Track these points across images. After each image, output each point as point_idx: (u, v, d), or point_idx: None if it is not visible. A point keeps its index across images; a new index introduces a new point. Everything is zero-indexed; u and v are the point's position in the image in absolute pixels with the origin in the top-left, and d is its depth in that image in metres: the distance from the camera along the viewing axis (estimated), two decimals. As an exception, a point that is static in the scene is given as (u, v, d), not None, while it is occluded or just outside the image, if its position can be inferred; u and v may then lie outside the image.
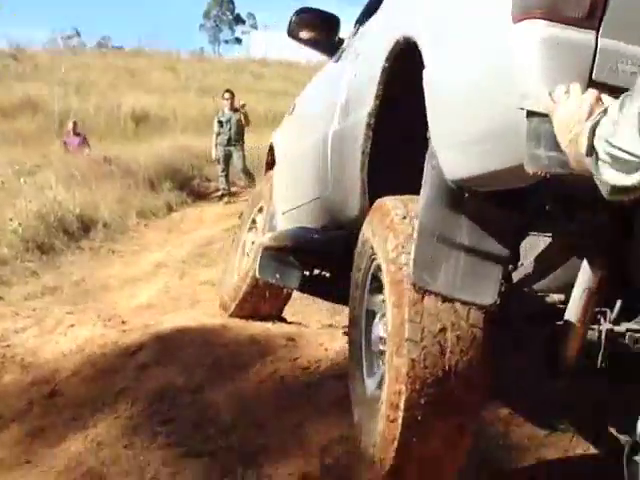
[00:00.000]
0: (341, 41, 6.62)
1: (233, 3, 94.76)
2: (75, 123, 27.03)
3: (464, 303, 3.67)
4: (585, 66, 2.83)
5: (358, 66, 5.28)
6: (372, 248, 4.26)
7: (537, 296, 4.07)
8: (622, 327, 3.91)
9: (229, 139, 22.15)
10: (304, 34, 6.76)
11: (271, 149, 8.60)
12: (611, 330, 3.89)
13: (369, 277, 4.43)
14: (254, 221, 8.68)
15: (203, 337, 7.05)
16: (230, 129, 22.12)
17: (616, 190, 2.35)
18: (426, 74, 3.76)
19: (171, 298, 13.26)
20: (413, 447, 3.84)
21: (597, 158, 2.36)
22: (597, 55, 2.83)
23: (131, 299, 13.89)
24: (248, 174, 22.28)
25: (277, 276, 6.80)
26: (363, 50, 5.27)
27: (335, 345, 6.35)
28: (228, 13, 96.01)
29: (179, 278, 14.63)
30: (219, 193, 22.65)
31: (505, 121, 3.09)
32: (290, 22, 6.75)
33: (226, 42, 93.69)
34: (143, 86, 38.63)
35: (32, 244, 17.29)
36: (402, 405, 3.73)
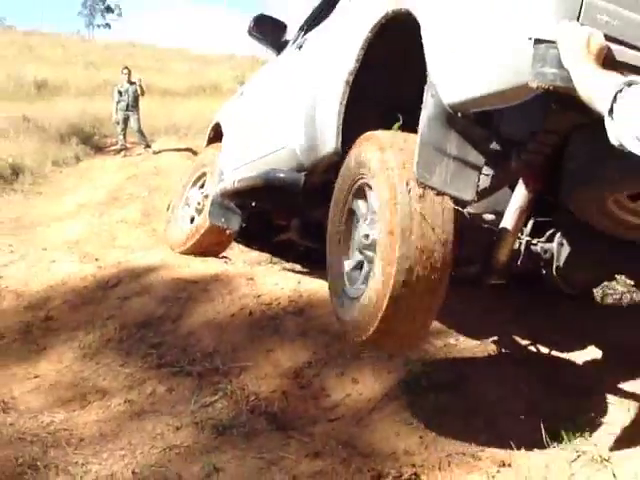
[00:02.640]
0: (286, 42, 6.88)
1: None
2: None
3: (451, 197, 3.81)
4: (575, 12, 2.96)
5: (334, 43, 5.21)
6: (361, 168, 4.28)
7: (478, 215, 4.25)
8: (535, 240, 4.34)
9: (127, 105, 21.66)
10: (259, 34, 7.03)
11: (215, 127, 8.45)
12: (529, 242, 4.33)
13: (352, 191, 4.43)
14: (197, 180, 8.54)
15: (173, 274, 6.66)
16: (128, 97, 21.65)
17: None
18: (424, 32, 3.83)
19: (94, 234, 13.13)
20: (397, 311, 3.90)
21: (612, 117, 2.49)
22: (582, 7, 2.97)
23: (60, 234, 13.52)
24: (141, 133, 21.71)
25: (222, 220, 7.35)
26: (339, 33, 5.18)
27: (288, 284, 6.09)
28: (100, 3, 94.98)
29: (98, 217, 14.18)
30: (117, 147, 22.07)
31: (501, 56, 3.28)
32: (250, 24, 6.97)
33: (99, 26, 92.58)
34: (40, 59, 37.62)
35: (-28, 187, 16.74)
36: (391, 281, 3.82)
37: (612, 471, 3.52)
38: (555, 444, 3.97)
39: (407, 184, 3.85)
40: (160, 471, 4.01)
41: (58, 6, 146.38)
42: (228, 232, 7.55)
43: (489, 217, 4.28)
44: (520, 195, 4.03)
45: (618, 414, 4.20)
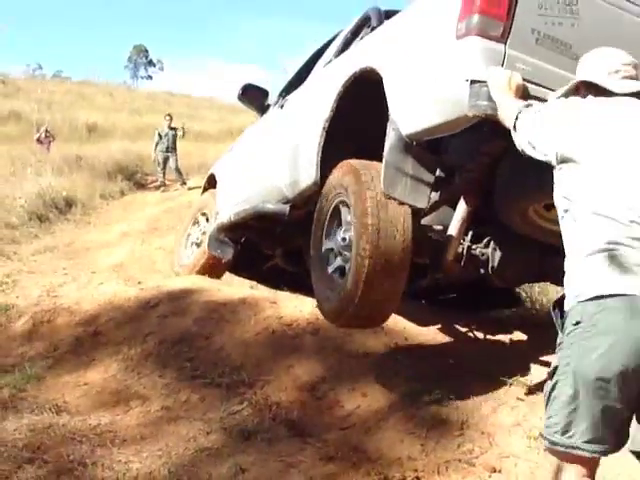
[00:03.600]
0: (268, 106, 7.50)
1: (147, 51, 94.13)
2: (47, 129, 26.26)
3: (409, 205, 4.40)
4: (499, 62, 3.68)
5: (312, 99, 5.82)
6: (338, 188, 4.87)
7: (429, 226, 4.95)
8: (474, 245, 5.05)
9: (167, 147, 21.69)
10: (246, 99, 7.60)
11: (210, 178, 8.91)
12: (469, 246, 5.04)
13: (332, 206, 4.99)
14: (196, 221, 8.94)
15: (205, 297, 6.66)
16: (168, 140, 21.65)
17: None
18: (386, 83, 4.48)
19: (136, 259, 13.04)
20: (370, 294, 4.48)
21: (516, 131, 3.17)
22: (506, 57, 3.71)
23: (107, 258, 13.54)
24: (179, 172, 21.75)
25: (219, 251, 7.76)
26: (316, 92, 5.79)
27: (306, 308, 6.07)
28: (144, 58, 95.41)
29: (140, 244, 14.22)
30: (157, 184, 22.05)
31: (446, 95, 3.91)
32: (239, 91, 7.54)
33: (142, 78, 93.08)
34: (91, 106, 37.83)
35: (34, 215, 16.87)
36: (364, 269, 4.41)
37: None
38: (540, 452, 4.00)
39: (375, 197, 4.46)
40: (192, 470, 4.03)
41: (107, 60, 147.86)
42: (223, 261, 7.92)
43: (438, 228, 4.95)
44: (461, 209, 4.70)
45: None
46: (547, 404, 2.80)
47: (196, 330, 6.07)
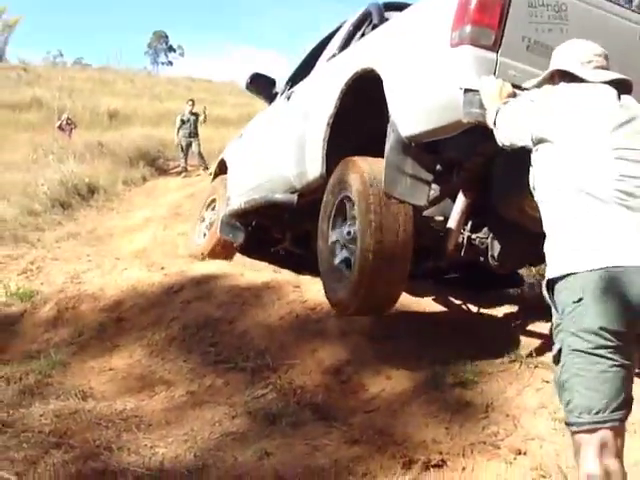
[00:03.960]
0: (275, 94, 7.85)
1: (167, 37, 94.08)
2: (68, 117, 26.26)
3: (409, 203, 4.72)
4: (492, 69, 3.97)
5: (317, 95, 6.07)
6: (343, 184, 5.22)
7: (431, 217, 5.23)
8: (474, 235, 5.36)
9: (189, 132, 21.85)
10: (255, 88, 8.05)
11: (221, 163, 9.27)
12: (469, 236, 5.34)
13: (337, 201, 5.35)
14: (208, 205, 9.32)
15: (229, 282, 6.69)
16: (190, 125, 21.84)
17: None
18: (386, 85, 4.77)
19: (159, 244, 13.16)
20: (375, 283, 4.88)
21: (496, 127, 3.39)
22: (497, 64, 3.99)
23: (130, 244, 13.67)
24: (201, 157, 21.86)
25: (230, 235, 8.18)
26: (321, 87, 6.07)
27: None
28: (164, 44, 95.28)
29: (163, 229, 14.29)
30: (179, 169, 22.18)
31: (442, 101, 4.22)
32: (247, 80, 8.03)
33: (162, 64, 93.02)
34: (112, 92, 37.79)
35: (57, 202, 17.08)
36: (369, 262, 4.82)
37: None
38: (565, 434, 3.98)
39: (378, 195, 4.79)
40: (218, 454, 4.04)
41: (127, 47, 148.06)
42: (235, 245, 8.36)
43: (439, 218, 5.21)
44: (460, 203, 5.01)
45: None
46: (560, 390, 2.83)
47: (220, 315, 6.09)
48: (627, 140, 2.92)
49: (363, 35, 6.10)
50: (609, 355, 2.69)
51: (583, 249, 2.78)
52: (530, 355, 4.97)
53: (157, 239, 13.63)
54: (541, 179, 3.05)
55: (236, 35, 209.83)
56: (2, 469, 3.79)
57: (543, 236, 3.00)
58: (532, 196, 3.17)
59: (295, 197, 6.37)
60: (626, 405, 2.74)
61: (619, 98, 3.08)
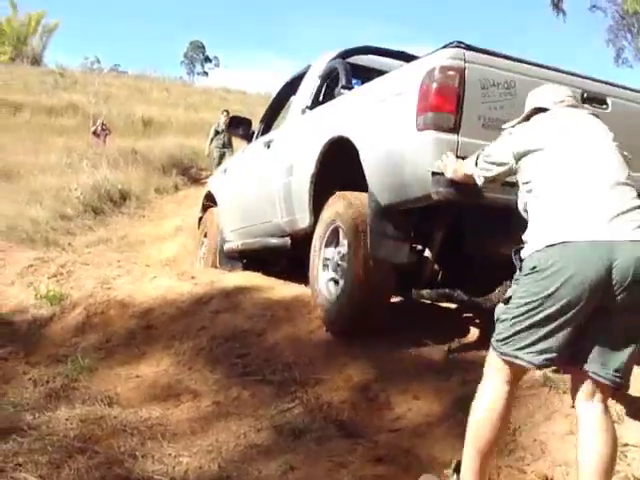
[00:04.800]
0: (253, 132, 8.67)
1: (204, 47, 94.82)
2: (103, 122, 26.59)
3: (391, 262, 5.32)
4: (454, 149, 4.55)
5: (298, 152, 6.69)
6: (335, 216, 5.79)
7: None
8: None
9: (223, 143, 21.75)
10: (234, 130, 9.03)
11: (208, 195, 9.95)
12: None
13: (329, 229, 5.90)
14: (204, 233, 9.98)
15: (259, 294, 6.72)
16: (224, 136, 21.62)
17: (486, 180, 3.87)
18: (362, 154, 5.42)
19: (188, 253, 13.18)
20: (364, 293, 5.44)
21: (477, 166, 3.89)
22: (459, 144, 4.58)
23: (160, 252, 13.74)
24: (235, 167, 21.60)
25: (229, 266, 8.81)
26: (301, 144, 6.71)
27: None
28: (200, 54, 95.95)
29: (192, 239, 14.28)
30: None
31: (413, 179, 4.84)
32: (227, 123, 9.86)
33: (198, 74, 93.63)
34: (147, 100, 38.12)
35: (89, 207, 17.23)
36: (355, 289, 5.44)
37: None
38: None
39: (362, 224, 5.39)
40: (242, 467, 4.04)
41: (163, 55, 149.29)
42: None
43: (418, 247, 5.56)
44: (434, 240, 5.43)
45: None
46: (498, 322, 3.42)
47: (249, 327, 6.12)
48: (606, 137, 3.54)
49: (331, 90, 6.82)
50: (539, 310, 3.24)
51: (546, 230, 3.27)
52: (559, 380, 4.93)
53: (187, 248, 13.65)
54: (526, 184, 3.52)
55: (276, 47, 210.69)
56: (26, 472, 3.83)
57: (511, 262, 3.49)
58: (506, 246, 3.71)
59: (288, 240, 7.00)
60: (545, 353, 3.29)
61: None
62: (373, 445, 4.30)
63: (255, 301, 6.58)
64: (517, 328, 3.30)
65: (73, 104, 32.44)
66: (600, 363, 3.32)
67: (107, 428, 4.53)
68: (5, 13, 54.34)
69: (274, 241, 7.25)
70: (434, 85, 4.65)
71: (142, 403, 5.17)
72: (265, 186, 7.39)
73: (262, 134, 8.37)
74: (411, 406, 4.72)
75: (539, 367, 3.45)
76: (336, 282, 5.76)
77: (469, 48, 4.69)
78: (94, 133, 25.74)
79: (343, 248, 5.64)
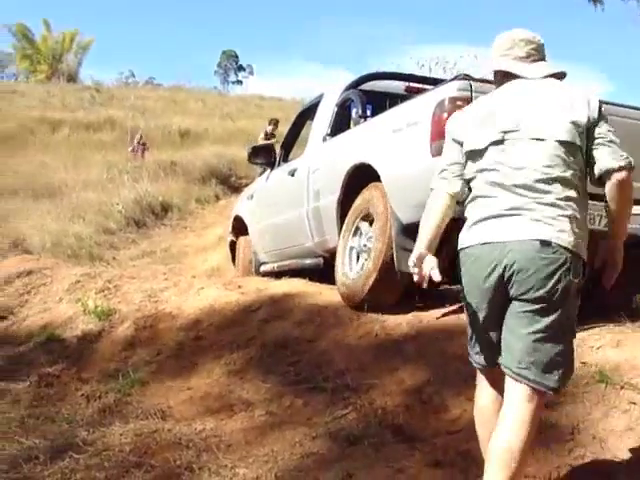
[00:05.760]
0: (275, 159, 9.12)
1: (237, 56, 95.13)
2: (141, 136, 26.89)
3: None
4: None
5: (324, 178, 7.30)
6: (366, 206, 6.36)
7: None
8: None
9: (270, 152, 21.42)
10: (255, 160, 9.44)
11: (237, 219, 10.43)
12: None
13: (360, 217, 6.46)
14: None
15: (307, 301, 6.72)
16: (271, 145, 21.43)
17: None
18: (385, 182, 6.04)
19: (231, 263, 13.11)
20: (381, 282, 5.98)
21: None
22: None
23: (204, 263, 13.78)
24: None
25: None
26: (326, 171, 7.29)
27: (406, 315, 6.03)
28: (234, 63, 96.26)
29: (235, 247, 14.37)
30: (253, 187, 22.10)
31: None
32: (249, 153, 9.40)
33: (232, 83, 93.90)
34: (183, 111, 38.27)
35: (131, 221, 17.40)
36: (378, 267, 5.99)
37: None
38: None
39: (392, 216, 5.88)
40: (299, 475, 4.05)
41: (197, 66, 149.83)
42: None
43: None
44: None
45: None
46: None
47: (298, 334, 6.13)
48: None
49: (347, 119, 7.47)
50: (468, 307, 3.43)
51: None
52: (616, 376, 4.87)
53: (230, 258, 13.72)
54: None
55: (308, 53, 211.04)
56: (85, 488, 3.87)
57: None
58: None
59: (321, 260, 7.63)
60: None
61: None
62: (430, 449, 4.26)
63: (303, 307, 6.59)
64: (469, 331, 3.51)
65: (111, 119, 32.78)
66: (506, 354, 3.34)
67: (162, 442, 4.57)
68: (38, 31, 54.91)
69: (308, 261, 7.89)
70: (444, 115, 5.07)
71: (195, 415, 5.21)
72: (294, 212, 7.96)
73: (284, 160, 8.97)
74: (466, 407, 4.66)
75: (485, 368, 3.49)
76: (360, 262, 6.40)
77: (475, 80, 5.21)
78: (132, 151, 25.93)
79: (373, 230, 6.20)
